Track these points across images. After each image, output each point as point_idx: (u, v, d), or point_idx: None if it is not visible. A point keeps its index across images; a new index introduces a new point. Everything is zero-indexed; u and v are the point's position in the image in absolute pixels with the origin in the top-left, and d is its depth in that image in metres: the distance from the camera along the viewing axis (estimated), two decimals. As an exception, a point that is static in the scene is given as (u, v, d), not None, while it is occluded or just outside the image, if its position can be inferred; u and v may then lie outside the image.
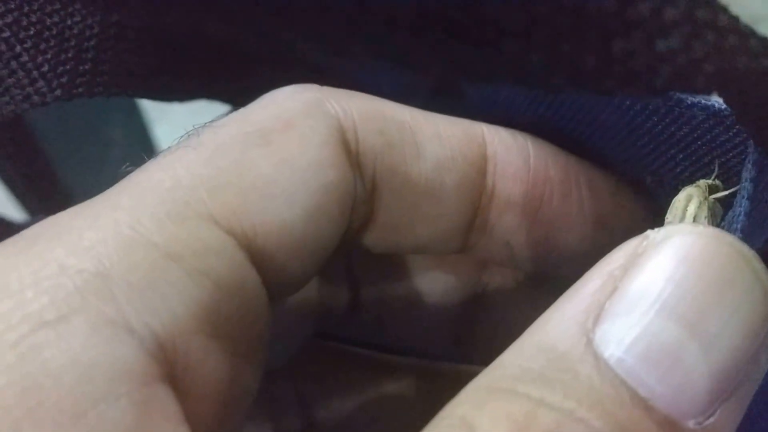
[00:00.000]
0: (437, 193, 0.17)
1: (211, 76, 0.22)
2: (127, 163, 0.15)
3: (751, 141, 0.14)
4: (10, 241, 0.13)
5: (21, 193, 0.41)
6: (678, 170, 0.17)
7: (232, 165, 0.15)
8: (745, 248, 0.13)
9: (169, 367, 0.13)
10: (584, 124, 0.18)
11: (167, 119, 0.59)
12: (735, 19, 0.11)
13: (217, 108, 0.24)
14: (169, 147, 0.16)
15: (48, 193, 0.41)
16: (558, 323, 0.13)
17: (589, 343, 0.13)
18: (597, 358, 0.12)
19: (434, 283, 0.21)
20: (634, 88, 0.11)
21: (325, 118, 0.16)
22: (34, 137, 0.39)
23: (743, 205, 0.15)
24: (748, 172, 0.15)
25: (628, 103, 0.16)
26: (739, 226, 0.15)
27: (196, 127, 0.16)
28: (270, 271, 0.15)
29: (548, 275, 0.20)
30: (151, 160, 0.15)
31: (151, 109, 0.41)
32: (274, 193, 0.15)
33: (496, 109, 0.19)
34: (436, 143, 0.17)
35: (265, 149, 0.15)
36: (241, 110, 0.16)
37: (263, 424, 0.20)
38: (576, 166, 0.18)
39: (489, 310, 0.21)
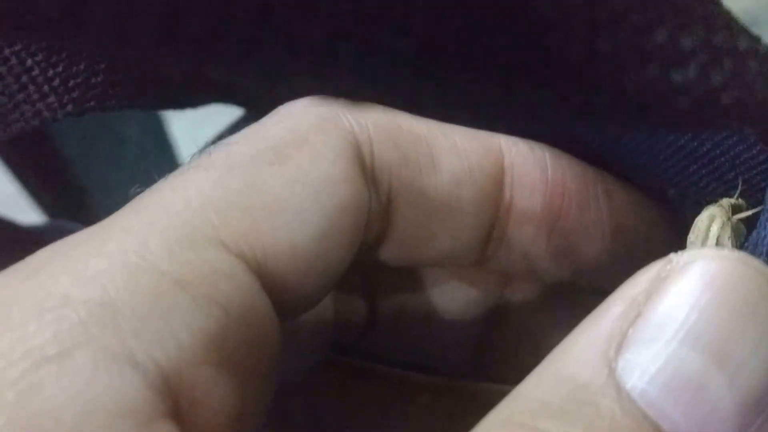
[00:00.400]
0: (454, 207, 0.17)
1: (223, 84, 0.22)
2: (137, 185, 0.15)
3: None
4: (13, 270, 0.13)
5: (35, 190, 0.41)
6: (701, 185, 0.17)
7: (243, 185, 0.15)
8: None
9: (175, 401, 0.13)
10: (603, 135, 0.18)
11: (183, 116, 0.59)
12: (756, 41, 0.11)
13: (232, 107, 0.23)
14: (181, 167, 0.15)
15: (63, 191, 0.41)
16: (579, 352, 0.13)
17: (612, 373, 0.12)
18: (619, 390, 0.12)
19: (454, 298, 0.21)
20: (651, 123, 0.11)
21: (340, 133, 0.16)
22: (49, 135, 0.39)
23: (767, 227, 0.14)
24: None
25: None
26: (765, 249, 0.14)
27: (209, 143, 0.16)
28: (281, 292, 0.15)
29: (568, 286, 0.20)
30: (162, 180, 0.15)
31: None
32: (285, 213, 0.15)
33: (512, 119, 0.19)
34: (452, 156, 0.17)
35: (278, 167, 0.15)
36: (255, 125, 0.16)
37: None
38: (594, 177, 0.18)
39: (510, 325, 0.21)
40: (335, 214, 0.15)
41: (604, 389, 0.12)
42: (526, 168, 0.17)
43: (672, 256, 0.13)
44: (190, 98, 0.21)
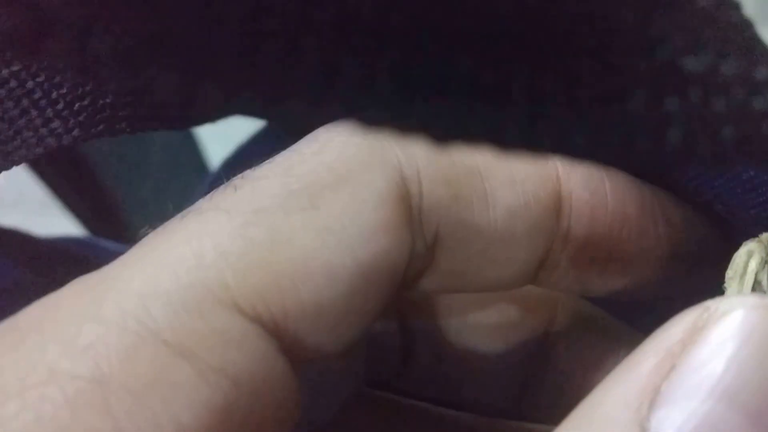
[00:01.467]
0: (507, 240, 0.16)
1: (238, 102, 0.20)
2: (147, 226, 0.13)
3: None
4: (2, 329, 0.12)
5: (63, 195, 0.41)
6: (748, 206, 0.16)
7: (268, 237, 0.13)
8: None
9: None
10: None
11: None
12: None
13: None
14: (200, 202, 0.14)
15: (87, 191, 0.40)
16: (610, 409, 0.12)
17: (643, 428, 0.11)
18: None
19: (496, 335, 0.19)
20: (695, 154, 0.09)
21: (385, 171, 0.14)
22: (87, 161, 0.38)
23: None
24: None
25: None
26: None
27: (234, 176, 0.14)
28: (302, 351, 0.13)
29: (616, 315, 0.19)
30: (177, 219, 0.13)
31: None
32: (313, 270, 0.13)
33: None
34: (507, 188, 0.16)
35: (310, 214, 0.13)
36: (289, 153, 0.15)
37: None
38: (652, 198, 0.17)
39: (555, 364, 0.20)
40: (371, 269, 0.14)
41: None
42: (584, 196, 0.17)
43: (709, 303, 0.12)
44: (206, 115, 0.20)
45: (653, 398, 0.12)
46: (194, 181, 0.38)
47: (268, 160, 0.15)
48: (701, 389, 0.12)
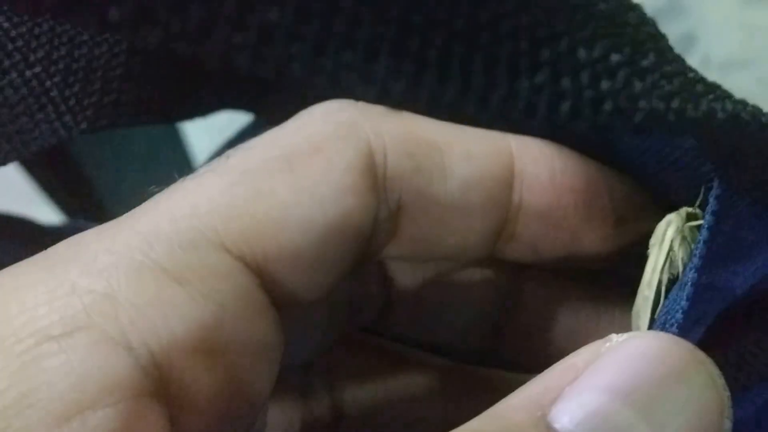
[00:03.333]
0: (464, 210, 0.18)
1: (232, 95, 0.23)
2: (153, 185, 0.16)
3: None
4: (33, 259, 0.15)
5: (47, 185, 0.43)
6: (675, 187, 0.18)
7: (252, 192, 0.16)
8: (702, 355, 0.14)
9: (164, 384, 0.14)
10: (604, 140, 0.19)
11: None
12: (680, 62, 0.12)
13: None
14: (199, 168, 0.17)
15: (71, 184, 0.42)
16: (517, 401, 0.14)
17: (543, 416, 0.14)
18: (548, 428, 0.14)
19: (469, 284, 0.22)
20: (580, 122, 0.12)
21: (355, 143, 0.17)
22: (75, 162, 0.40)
23: (703, 234, 0.16)
24: (710, 205, 0.16)
25: None
26: (697, 252, 0.16)
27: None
28: (281, 290, 0.16)
29: (576, 272, 0.21)
30: (180, 181, 0.16)
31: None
32: (288, 221, 0.16)
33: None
34: (464, 163, 0.18)
35: (288, 175, 0.16)
36: (275, 130, 0.17)
37: (294, 412, 0.21)
38: (598, 173, 0.19)
39: (523, 310, 0.21)
40: (339, 224, 0.16)
41: (534, 426, 0.13)
42: (536, 170, 0.18)
43: (612, 336, 0.15)
44: (198, 107, 0.22)
45: (555, 396, 0.14)
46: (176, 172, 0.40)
47: (258, 136, 0.17)
48: (597, 389, 0.14)
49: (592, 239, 0.19)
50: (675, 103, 0.12)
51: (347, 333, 0.22)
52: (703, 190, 0.17)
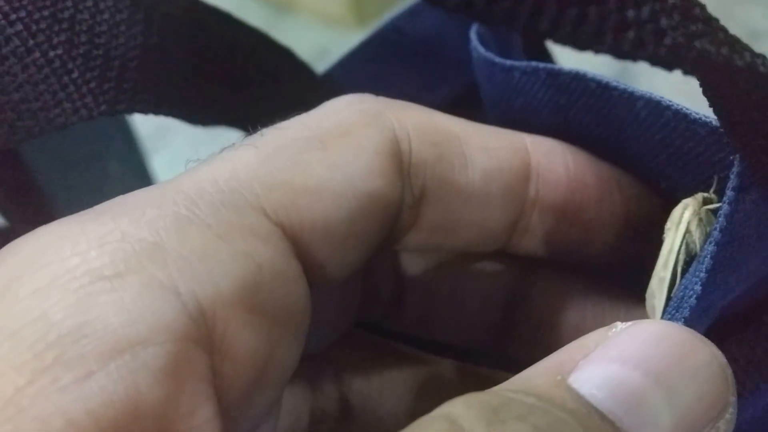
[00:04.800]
0: (483, 200, 0.19)
1: (235, 102, 0.24)
2: (188, 159, 0.17)
3: (736, 154, 0.16)
4: (85, 212, 0.15)
5: (16, 223, 0.42)
6: (686, 180, 0.19)
7: (288, 165, 0.16)
8: (705, 339, 0.15)
9: (208, 333, 0.14)
10: (611, 135, 0.20)
11: (166, 149, 0.60)
12: (703, 8, 0.13)
13: (218, 140, 0.24)
14: (234, 143, 0.17)
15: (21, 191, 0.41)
16: (535, 369, 0.15)
17: (563, 380, 0.14)
18: (570, 389, 0.14)
19: (478, 281, 0.22)
20: (604, 46, 0.13)
21: (381, 129, 0.17)
22: (28, 167, 0.39)
23: (724, 209, 0.16)
24: (730, 182, 0.16)
25: (645, 114, 0.18)
26: (718, 226, 0.16)
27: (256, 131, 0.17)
28: (312, 262, 0.16)
29: (585, 269, 0.22)
30: (216, 153, 0.17)
31: (149, 139, 0.42)
32: (323, 194, 0.16)
33: (515, 121, 0.21)
34: (484, 155, 0.18)
35: (321, 153, 0.17)
36: (304, 115, 0.18)
37: (302, 401, 0.21)
38: (608, 172, 0.20)
39: (531, 308, 0.22)
40: (367, 202, 0.17)
41: (556, 389, 0.14)
42: (550, 166, 0.19)
43: (617, 323, 0.15)
44: (205, 112, 0.23)
45: (571, 368, 0.14)
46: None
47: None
48: (612, 359, 0.14)
49: (604, 234, 0.20)
50: (724, 50, 0.13)
51: (356, 329, 0.22)
52: (716, 179, 0.18)
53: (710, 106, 0.15)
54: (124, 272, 0.14)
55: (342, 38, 0.64)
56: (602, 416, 0.14)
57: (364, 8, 0.74)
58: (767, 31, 0.62)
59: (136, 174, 0.43)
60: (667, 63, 0.13)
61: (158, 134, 0.60)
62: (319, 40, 0.70)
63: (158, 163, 0.43)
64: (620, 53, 0.12)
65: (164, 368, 0.13)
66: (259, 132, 0.17)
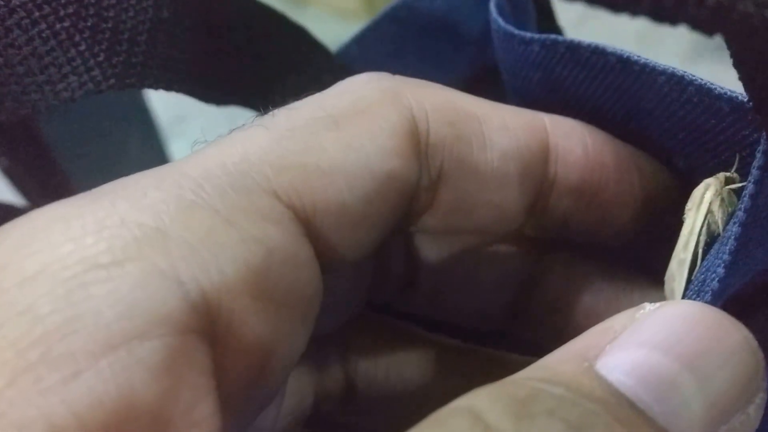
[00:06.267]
0: (501, 181, 0.18)
1: (248, 80, 0.23)
2: (197, 139, 0.16)
3: (764, 132, 0.15)
4: (83, 194, 0.14)
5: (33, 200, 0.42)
6: (706, 158, 0.18)
7: (300, 146, 0.16)
8: (736, 321, 0.14)
9: (211, 322, 0.14)
10: (629, 113, 0.19)
11: (183, 135, 0.61)
12: None
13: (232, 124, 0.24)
14: (244, 124, 0.16)
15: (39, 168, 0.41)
16: (561, 354, 0.14)
17: (590, 367, 0.13)
18: (598, 377, 0.13)
19: (491, 264, 0.21)
20: (643, 7, 0.12)
21: (399, 109, 0.17)
22: (46, 147, 0.39)
23: (749, 188, 0.16)
24: (756, 161, 0.16)
25: (666, 90, 0.17)
26: (742, 206, 0.16)
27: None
28: (325, 245, 0.16)
29: (600, 251, 0.21)
30: (226, 134, 0.16)
31: (168, 126, 0.42)
32: (336, 175, 0.16)
33: (533, 96, 0.21)
34: (503, 134, 0.18)
35: (335, 133, 0.16)
36: (318, 95, 0.17)
37: (307, 383, 0.21)
38: (627, 152, 0.19)
39: (543, 292, 0.21)
40: (383, 184, 0.16)
41: (583, 376, 0.13)
42: (568, 146, 0.19)
43: (645, 304, 0.14)
44: (217, 90, 0.22)
45: (598, 353, 0.14)
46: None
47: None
48: (640, 344, 0.14)
49: (621, 216, 0.19)
50: (767, 13, 0.12)
51: (365, 310, 0.22)
52: (737, 158, 0.17)
53: (740, 79, 0.14)
54: (122, 260, 0.13)
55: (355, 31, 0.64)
56: (632, 405, 0.13)
57: (377, 1, 0.74)
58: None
59: (155, 156, 0.42)
60: (707, 26, 0.12)
61: (176, 121, 0.59)
62: (332, 34, 0.70)
63: (176, 148, 0.43)
64: (659, 15, 0.12)
65: (162, 363, 0.13)
66: (271, 113, 0.16)
